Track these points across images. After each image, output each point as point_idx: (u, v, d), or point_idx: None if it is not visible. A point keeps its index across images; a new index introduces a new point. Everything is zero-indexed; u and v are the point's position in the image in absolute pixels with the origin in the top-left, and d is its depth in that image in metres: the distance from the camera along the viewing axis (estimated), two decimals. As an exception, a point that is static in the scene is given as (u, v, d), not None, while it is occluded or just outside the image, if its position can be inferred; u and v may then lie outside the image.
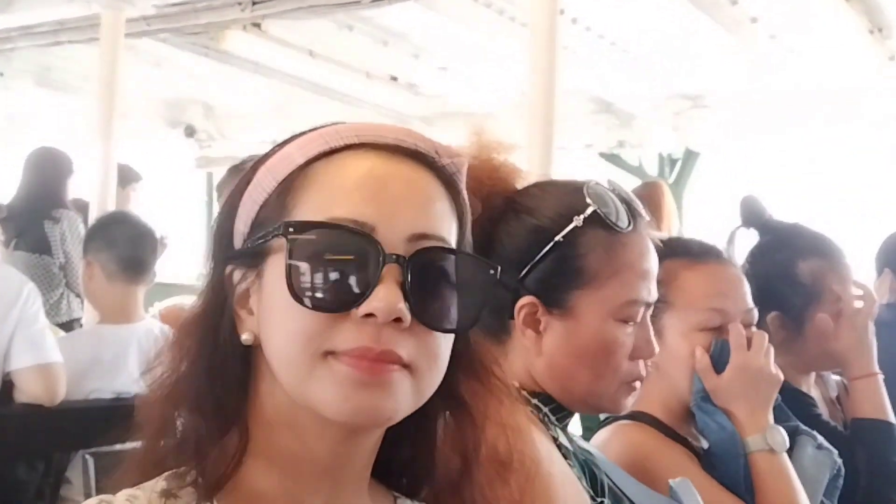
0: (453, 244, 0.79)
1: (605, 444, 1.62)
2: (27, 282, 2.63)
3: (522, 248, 1.18)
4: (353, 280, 0.72)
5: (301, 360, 0.72)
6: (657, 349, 1.21)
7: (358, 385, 0.71)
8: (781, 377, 1.57)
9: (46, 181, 4.39)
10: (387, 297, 0.70)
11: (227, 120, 6.74)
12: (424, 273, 0.74)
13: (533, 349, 1.18)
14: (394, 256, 0.72)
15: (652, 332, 1.21)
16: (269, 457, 0.77)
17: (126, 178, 4.63)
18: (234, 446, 0.76)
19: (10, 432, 2.52)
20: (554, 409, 1.19)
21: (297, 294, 0.71)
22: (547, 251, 1.16)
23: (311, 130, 0.80)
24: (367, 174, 0.75)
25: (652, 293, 1.19)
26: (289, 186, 0.76)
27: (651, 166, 6.82)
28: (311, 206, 0.75)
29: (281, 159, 0.78)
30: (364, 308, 0.71)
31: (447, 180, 0.81)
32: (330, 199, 0.74)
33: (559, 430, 1.18)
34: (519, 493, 0.91)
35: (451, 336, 0.78)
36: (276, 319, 0.74)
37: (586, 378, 1.17)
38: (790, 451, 1.53)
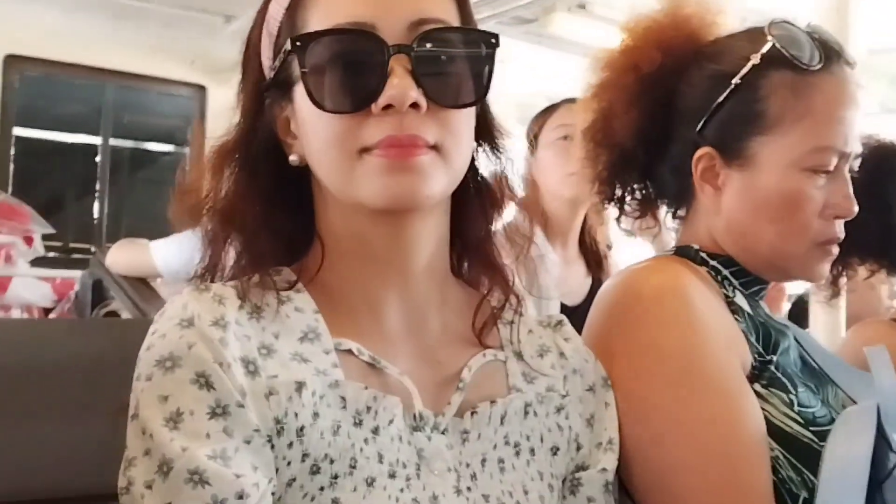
0: (454, 23, 0.83)
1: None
2: None
3: (701, 97, 1.09)
4: (365, 78, 0.77)
5: (339, 162, 0.79)
6: (856, 208, 1.06)
7: (392, 171, 0.77)
8: None
9: None
10: (399, 86, 0.76)
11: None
12: (430, 56, 0.78)
13: (712, 207, 1.09)
14: (398, 47, 0.77)
15: (850, 187, 1.06)
16: (338, 257, 0.85)
17: None
18: (316, 252, 0.86)
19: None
20: (736, 272, 1.09)
21: (317, 101, 0.78)
22: (725, 97, 1.07)
23: None
24: None
25: (849, 142, 1.05)
26: (294, 8, 0.83)
27: None
28: (316, 20, 0.81)
29: None
30: (381, 100, 0.76)
31: None
32: (329, 8, 0.80)
33: (738, 292, 1.08)
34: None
35: (472, 112, 0.84)
36: (310, 131, 0.81)
37: (769, 236, 1.06)
38: None
